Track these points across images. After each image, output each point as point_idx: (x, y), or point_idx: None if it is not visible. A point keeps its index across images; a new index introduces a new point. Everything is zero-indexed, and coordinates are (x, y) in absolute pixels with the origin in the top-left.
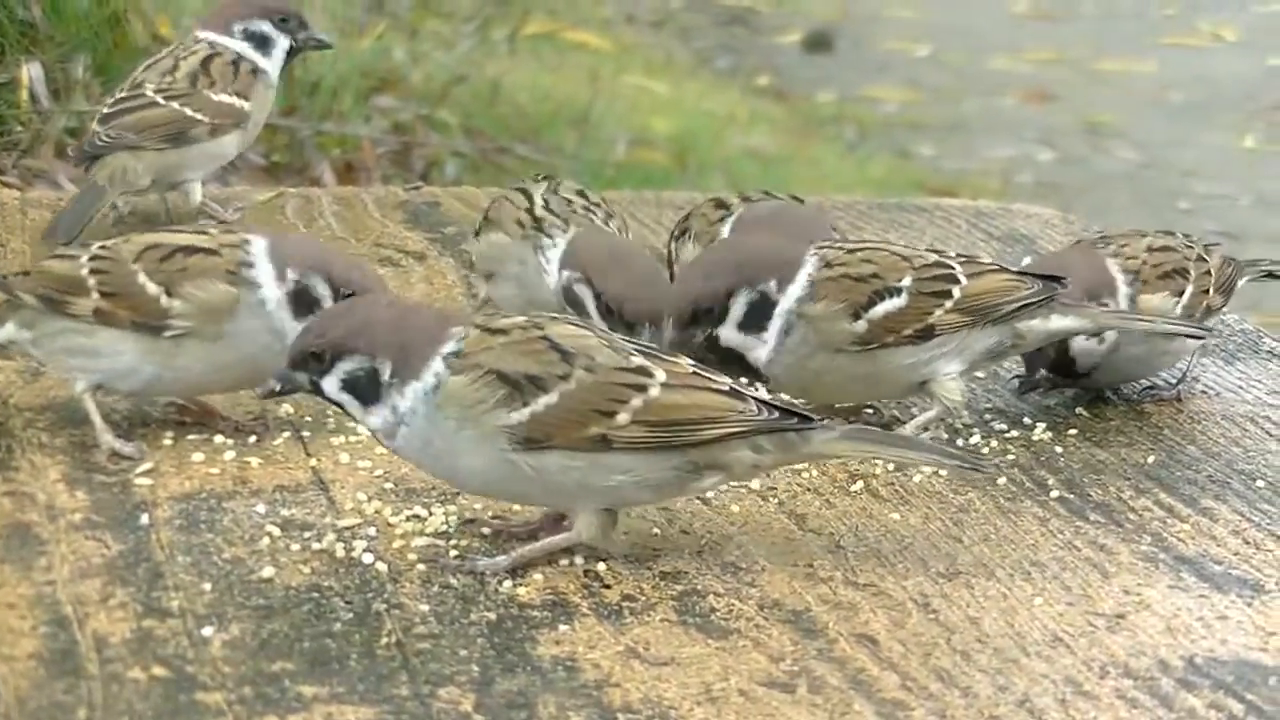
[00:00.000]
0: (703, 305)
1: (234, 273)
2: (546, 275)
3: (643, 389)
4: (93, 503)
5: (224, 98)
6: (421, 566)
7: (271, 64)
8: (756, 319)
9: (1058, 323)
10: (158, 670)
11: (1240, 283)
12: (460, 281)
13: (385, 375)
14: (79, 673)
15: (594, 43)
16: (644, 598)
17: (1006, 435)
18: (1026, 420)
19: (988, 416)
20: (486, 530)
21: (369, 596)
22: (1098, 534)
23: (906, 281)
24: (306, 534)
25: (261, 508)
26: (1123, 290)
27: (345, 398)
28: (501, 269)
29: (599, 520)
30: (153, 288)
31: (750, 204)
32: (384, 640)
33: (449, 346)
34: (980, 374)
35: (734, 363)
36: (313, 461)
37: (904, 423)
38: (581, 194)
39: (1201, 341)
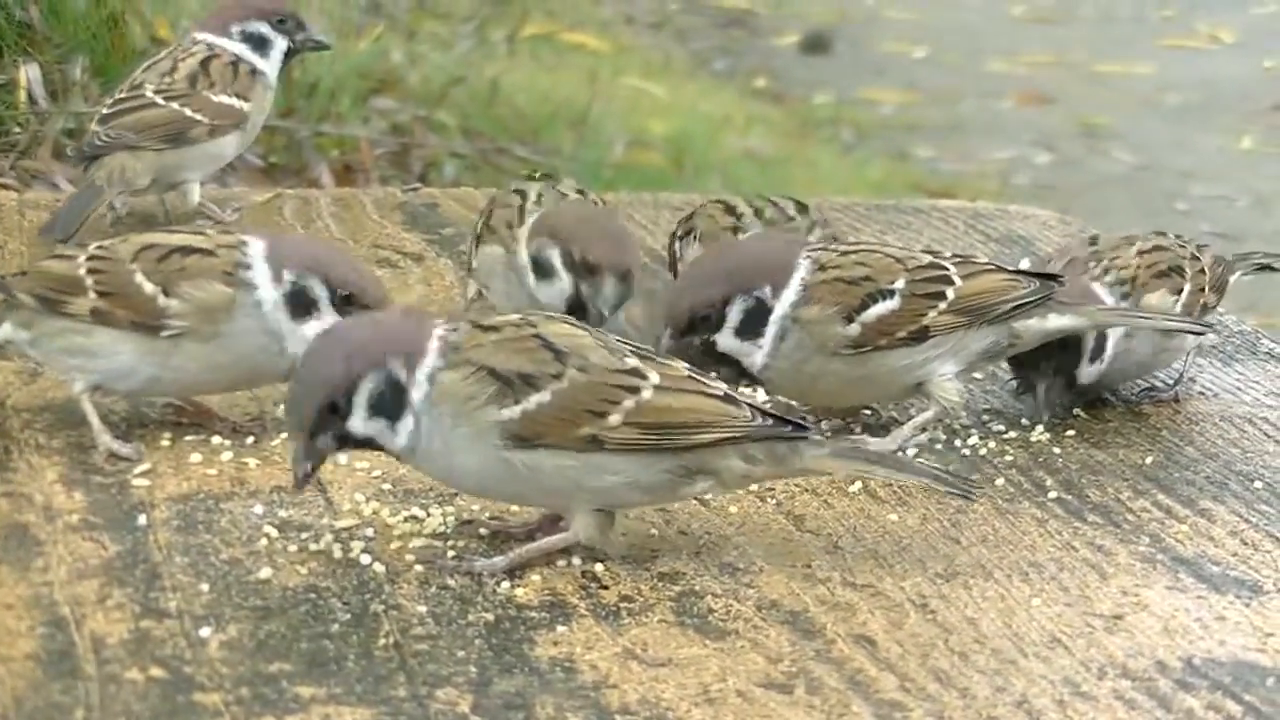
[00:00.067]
0: (699, 313)
1: (230, 273)
2: (522, 271)
3: (635, 390)
4: (90, 504)
5: (223, 99)
6: (419, 567)
7: (270, 65)
8: (752, 325)
9: (1055, 321)
10: (155, 671)
11: (1233, 279)
12: (459, 283)
13: (402, 377)
14: (76, 673)
15: (592, 44)
16: (642, 598)
17: (1004, 436)
18: (1024, 421)
19: (986, 417)
20: (484, 531)
21: (366, 597)
22: (1096, 535)
23: (900, 284)
24: (304, 535)
25: (259, 508)
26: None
27: (376, 425)
28: (494, 282)
29: (596, 521)
30: (150, 287)
31: (746, 208)
32: (381, 641)
33: (440, 341)
34: (978, 375)
35: (729, 366)
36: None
37: (902, 424)
38: (581, 194)
39: (1201, 338)
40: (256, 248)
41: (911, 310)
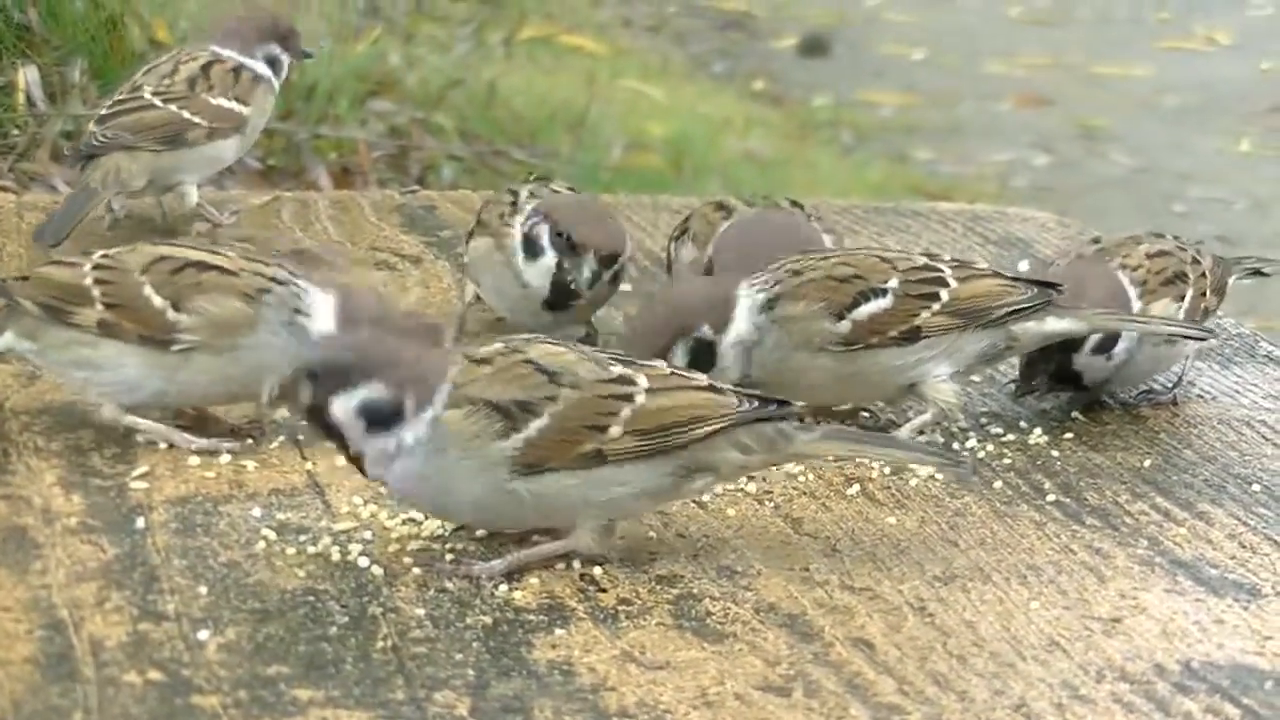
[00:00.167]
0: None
1: (252, 297)
2: (513, 262)
3: (630, 398)
4: (89, 506)
5: (222, 102)
6: (417, 570)
7: (276, 76)
8: (706, 359)
9: (1053, 325)
10: (153, 674)
11: (1229, 281)
12: (457, 285)
13: (409, 409)
14: (75, 676)
15: (590, 47)
16: (640, 601)
17: (1003, 439)
18: (1023, 424)
19: (984, 420)
20: (481, 533)
21: (365, 600)
22: (1094, 538)
23: (893, 283)
24: (302, 537)
25: (257, 511)
26: (1135, 304)
27: (352, 421)
28: (485, 275)
29: (598, 531)
30: (159, 301)
31: (744, 209)
32: (380, 644)
33: (450, 381)
34: (976, 378)
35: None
36: (308, 465)
37: (900, 426)
38: (571, 191)
39: (1202, 343)
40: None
41: (904, 310)
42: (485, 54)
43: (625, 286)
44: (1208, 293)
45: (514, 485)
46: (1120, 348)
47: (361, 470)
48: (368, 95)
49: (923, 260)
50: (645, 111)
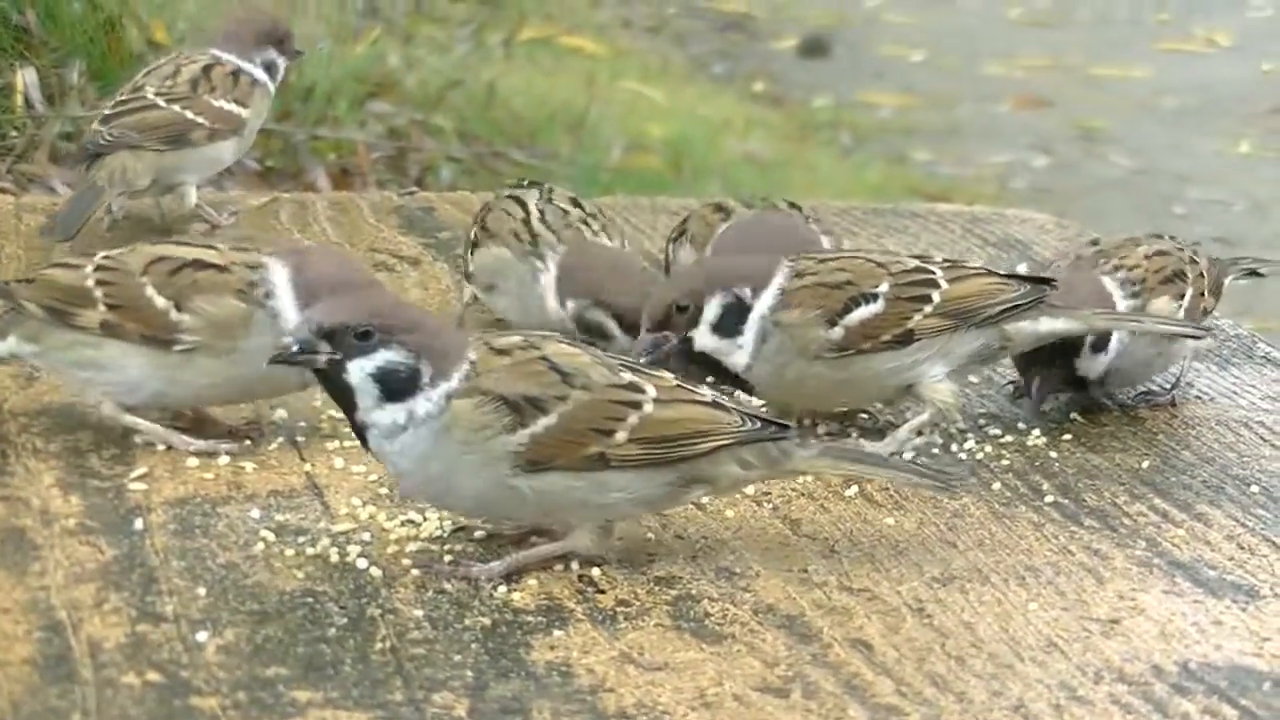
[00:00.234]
0: (679, 303)
1: (244, 291)
2: (544, 297)
3: (637, 406)
4: (87, 508)
5: (223, 104)
6: (416, 572)
7: (272, 80)
8: (731, 323)
9: (1047, 325)
10: (152, 675)
11: (1226, 282)
12: (455, 287)
13: (425, 378)
14: (73, 678)
15: (589, 48)
16: (638, 603)
17: (1001, 440)
18: (1021, 425)
19: (982, 422)
20: (480, 535)
21: (363, 602)
22: (1092, 539)
23: (883, 287)
24: (301, 539)
25: (256, 513)
26: (1121, 305)
27: (369, 386)
28: (503, 283)
29: (595, 533)
30: (161, 301)
31: (743, 210)
32: (378, 645)
33: (467, 361)
34: (974, 378)
35: (712, 372)
36: (307, 466)
37: (898, 427)
38: (576, 204)
39: (1199, 341)
40: (279, 274)
41: (896, 313)
42: (484, 55)
43: None
44: (1205, 293)
45: (516, 481)
46: (1112, 342)
47: (364, 443)
48: (366, 96)
49: (914, 263)
50: (645, 113)
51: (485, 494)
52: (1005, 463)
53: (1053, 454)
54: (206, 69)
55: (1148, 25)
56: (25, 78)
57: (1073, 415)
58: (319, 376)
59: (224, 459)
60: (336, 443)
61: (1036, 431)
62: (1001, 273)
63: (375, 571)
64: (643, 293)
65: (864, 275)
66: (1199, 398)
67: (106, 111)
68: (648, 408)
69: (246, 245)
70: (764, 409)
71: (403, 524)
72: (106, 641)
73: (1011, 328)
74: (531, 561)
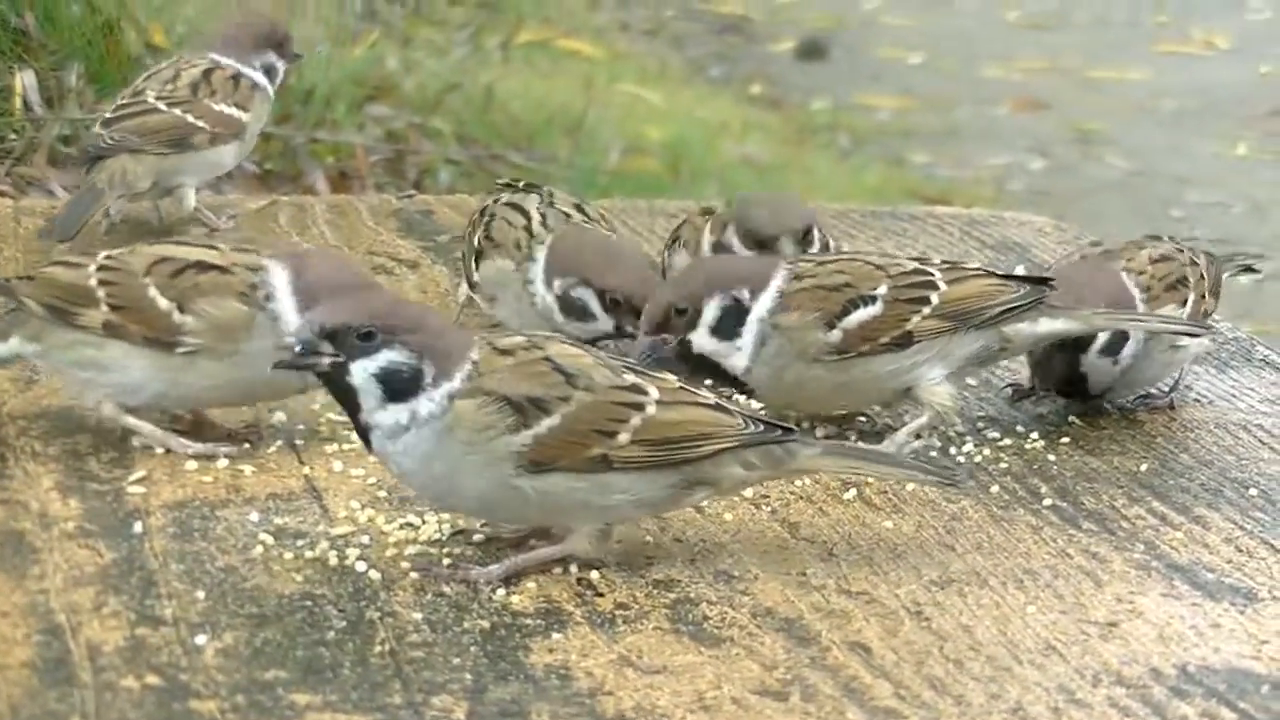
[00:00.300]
0: (678, 305)
1: (246, 293)
2: (532, 293)
3: (640, 407)
4: (86, 511)
5: (224, 108)
6: (414, 575)
7: (271, 84)
8: (729, 325)
9: (1046, 326)
10: (151, 679)
11: (1222, 279)
12: (453, 289)
13: (428, 378)
14: (72, 681)
15: (587, 51)
16: (637, 606)
17: (999, 443)
18: (1020, 428)
19: (981, 425)
20: (479, 538)
21: (362, 605)
22: (1091, 542)
23: (882, 289)
24: (300, 542)
25: (255, 516)
26: (1141, 307)
27: (372, 387)
28: (502, 294)
29: (595, 535)
30: (164, 303)
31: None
32: (377, 648)
33: (470, 361)
34: (973, 381)
35: (711, 374)
36: (306, 470)
37: (897, 430)
38: (579, 208)
39: (1200, 342)
40: (278, 276)
41: (895, 315)
42: (482, 58)
43: None
44: (1206, 295)
45: (519, 482)
46: (1127, 351)
47: (368, 445)
48: (365, 99)
49: (912, 265)
50: (643, 115)
51: (488, 494)
52: (1003, 466)
53: (1051, 457)
54: (207, 73)
55: (1146, 27)
56: (24, 80)
57: (1071, 418)
58: (322, 378)
59: (223, 462)
60: (335, 446)
61: (1035, 434)
62: (1000, 273)
63: (374, 574)
64: (631, 276)
65: (862, 277)
66: (1197, 400)
67: (107, 115)
68: (650, 409)
69: (247, 246)
70: (763, 411)
71: (401, 527)
72: (105, 645)
73: (1010, 329)
74: (530, 564)
